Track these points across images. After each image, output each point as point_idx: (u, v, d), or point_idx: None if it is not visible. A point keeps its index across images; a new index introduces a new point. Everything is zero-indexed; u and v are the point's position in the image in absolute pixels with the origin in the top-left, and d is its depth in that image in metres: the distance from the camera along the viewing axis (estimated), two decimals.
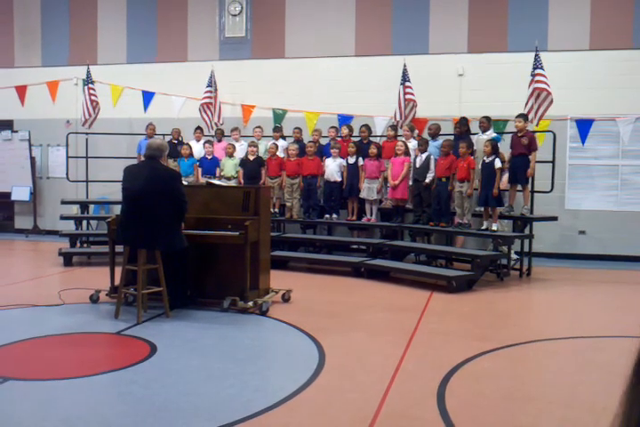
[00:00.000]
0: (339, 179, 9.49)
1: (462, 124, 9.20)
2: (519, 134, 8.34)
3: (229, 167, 10.00)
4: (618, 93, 9.91)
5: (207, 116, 10.80)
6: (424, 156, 8.83)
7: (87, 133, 11.09)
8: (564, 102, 9.43)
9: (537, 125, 8.81)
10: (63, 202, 10.63)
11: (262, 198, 6.40)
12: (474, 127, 9.39)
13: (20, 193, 12.47)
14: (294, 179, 9.66)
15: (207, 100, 10.74)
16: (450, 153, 8.60)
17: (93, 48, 12.37)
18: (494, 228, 8.19)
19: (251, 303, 6.05)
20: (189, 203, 5.91)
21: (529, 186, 8.47)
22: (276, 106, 11.25)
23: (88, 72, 11.09)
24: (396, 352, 4.79)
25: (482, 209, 8.44)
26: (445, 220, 8.62)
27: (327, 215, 9.66)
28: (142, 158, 7.54)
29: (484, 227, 8.33)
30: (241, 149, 10.31)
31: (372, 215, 9.46)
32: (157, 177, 5.70)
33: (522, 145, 8.26)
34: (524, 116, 8.42)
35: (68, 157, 11.01)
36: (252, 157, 9.86)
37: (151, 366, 4.39)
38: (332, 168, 9.51)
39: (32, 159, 12.47)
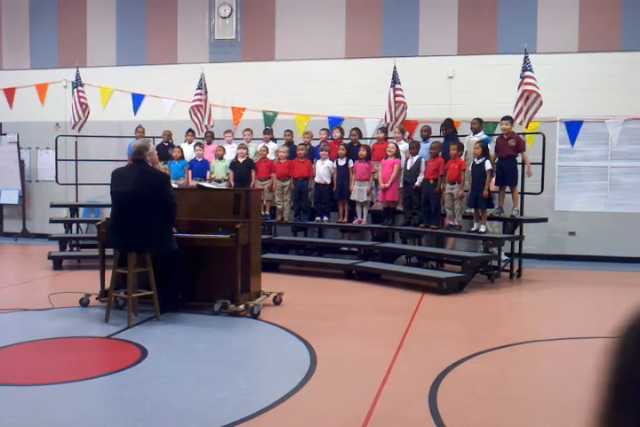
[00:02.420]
0: (328, 181, 9.50)
1: (448, 125, 9.23)
2: (505, 137, 8.37)
3: (220, 170, 9.98)
4: (606, 95, 9.98)
5: (197, 118, 10.78)
6: (415, 158, 8.85)
7: (77, 136, 11.04)
8: (553, 104, 9.49)
9: (526, 127, 8.85)
10: (52, 205, 10.57)
11: (253, 201, 6.39)
12: (462, 129, 9.42)
13: (9, 196, 12.40)
14: (285, 181, 9.66)
15: (197, 103, 10.71)
16: (439, 155, 8.63)
17: (82, 50, 12.32)
18: (482, 229, 8.22)
19: (242, 306, 6.04)
20: (180, 206, 5.89)
21: (518, 188, 8.50)
22: (267, 108, 11.25)
23: (77, 74, 11.04)
24: (387, 354, 4.79)
25: (472, 211, 8.47)
26: (435, 222, 8.63)
27: (318, 218, 9.65)
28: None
29: (474, 228, 8.35)
30: (231, 151, 10.30)
31: (362, 217, 9.46)
32: (145, 180, 5.66)
33: (509, 147, 8.29)
34: (510, 119, 8.45)
35: (57, 160, 10.93)
36: (241, 160, 9.86)
37: (142, 370, 4.36)
38: (321, 170, 9.52)
39: (21, 162, 12.40)
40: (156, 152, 6.08)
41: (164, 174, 6.20)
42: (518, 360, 4.97)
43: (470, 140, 8.80)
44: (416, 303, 6.80)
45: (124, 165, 8.54)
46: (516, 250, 8.66)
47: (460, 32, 10.57)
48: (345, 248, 9.87)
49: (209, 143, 10.63)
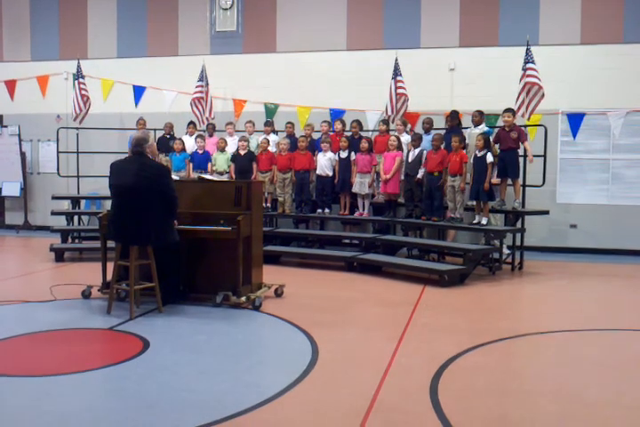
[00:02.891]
0: (330, 173, 9.49)
1: (453, 117, 9.20)
2: (507, 129, 8.34)
3: (221, 162, 9.98)
4: (609, 87, 9.95)
5: (198, 110, 10.77)
6: (417, 151, 8.84)
7: (78, 128, 11.04)
8: (555, 96, 9.46)
9: (528, 120, 8.82)
10: (54, 197, 10.59)
11: (254, 193, 6.38)
12: (465, 121, 9.40)
13: (11, 188, 12.40)
14: (286, 173, 9.65)
15: (198, 95, 10.70)
16: (441, 147, 8.61)
17: (83, 42, 12.29)
18: (484, 222, 8.22)
19: (243, 298, 6.05)
20: (181, 198, 5.89)
21: (520, 180, 8.48)
22: (268, 100, 11.23)
23: (78, 66, 11.03)
24: (388, 347, 4.80)
25: (474, 203, 8.46)
26: (437, 214, 8.63)
27: (319, 210, 9.65)
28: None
29: (475, 221, 8.35)
30: (233, 143, 10.29)
31: (364, 210, 9.46)
32: (146, 173, 5.63)
33: (511, 139, 8.27)
34: (512, 111, 8.43)
35: (58, 152, 10.96)
36: (242, 152, 9.85)
37: (143, 362, 4.38)
38: (323, 163, 9.51)
39: (22, 154, 12.40)
40: (155, 144, 6.06)
41: (165, 167, 6.18)
42: (519, 352, 4.98)
43: (472, 133, 8.78)
44: (417, 296, 6.81)
45: (125, 156, 8.56)
46: (518, 242, 8.66)
47: (461, 24, 10.53)
48: (346, 240, 9.87)
49: (210, 135, 10.62)
